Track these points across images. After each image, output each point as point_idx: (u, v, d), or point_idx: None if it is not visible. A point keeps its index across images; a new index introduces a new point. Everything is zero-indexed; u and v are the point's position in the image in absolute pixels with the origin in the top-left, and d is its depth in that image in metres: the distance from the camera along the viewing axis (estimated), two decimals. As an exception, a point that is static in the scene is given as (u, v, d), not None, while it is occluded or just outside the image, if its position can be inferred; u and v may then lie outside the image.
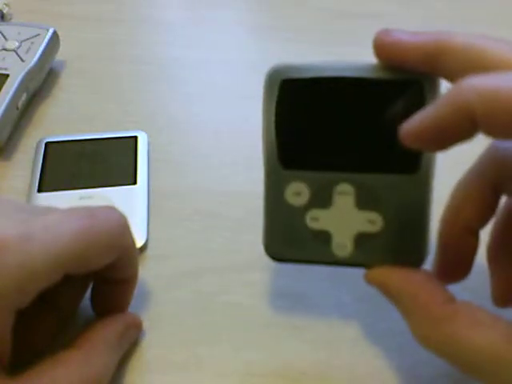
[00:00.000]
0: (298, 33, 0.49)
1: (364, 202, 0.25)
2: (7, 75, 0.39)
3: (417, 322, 0.23)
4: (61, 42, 0.45)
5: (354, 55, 0.46)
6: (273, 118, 0.25)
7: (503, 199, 0.26)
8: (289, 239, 0.26)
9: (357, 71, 0.24)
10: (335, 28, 0.49)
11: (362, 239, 0.25)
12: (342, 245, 0.25)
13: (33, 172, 0.36)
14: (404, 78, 0.24)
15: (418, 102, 0.24)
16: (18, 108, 0.39)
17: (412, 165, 0.25)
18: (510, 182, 0.25)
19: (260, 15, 0.51)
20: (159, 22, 0.50)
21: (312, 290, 0.31)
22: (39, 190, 0.34)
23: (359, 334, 0.29)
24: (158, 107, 0.42)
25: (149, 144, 0.38)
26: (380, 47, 0.24)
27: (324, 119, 0.25)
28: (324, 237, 0.25)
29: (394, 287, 0.24)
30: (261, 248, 0.33)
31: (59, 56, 0.45)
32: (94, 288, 0.28)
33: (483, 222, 0.26)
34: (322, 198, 0.25)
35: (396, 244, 0.25)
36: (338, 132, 0.25)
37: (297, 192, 0.25)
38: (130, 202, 0.34)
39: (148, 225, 0.34)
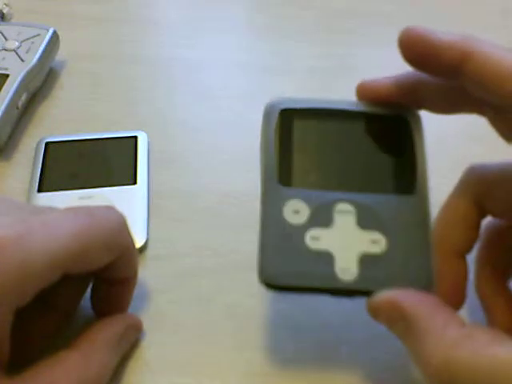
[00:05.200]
0: (298, 33, 0.49)
1: (365, 220, 0.24)
2: (7, 75, 0.39)
3: (434, 344, 0.21)
4: (61, 42, 0.44)
5: (354, 55, 0.46)
6: (272, 139, 0.26)
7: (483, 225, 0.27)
8: (288, 262, 0.24)
9: (349, 105, 0.27)
10: (335, 28, 0.49)
11: (366, 261, 0.24)
12: (346, 267, 0.24)
13: (33, 172, 0.36)
14: (391, 112, 0.27)
15: (405, 134, 0.26)
16: (18, 108, 0.39)
17: (408, 186, 0.25)
18: (491, 200, 0.26)
19: (260, 15, 0.51)
20: (159, 22, 0.50)
21: (312, 290, 0.31)
22: (39, 190, 0.34)
23: (359, 335, 0.29)
24: (158, 107, 0.42)
25: (149, 144, 0.38)
26: (361, 91, 0.27)
27: (320, 145, 0.26)
28: (326, 259, 0.24)
29: (409, 308, 0.22)
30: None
31: (59, 56, 0.45)
32: (94, 288, 0.28)
33: (470, 245, 0.27)
34: (322, 217, 0.25)
35: (402, 267, 0.24)
36: (335, 155, 0.26)
37: (296, 210, 0.25)
38: (129, 202, 0.34)
39: (148, 225, 0.34)
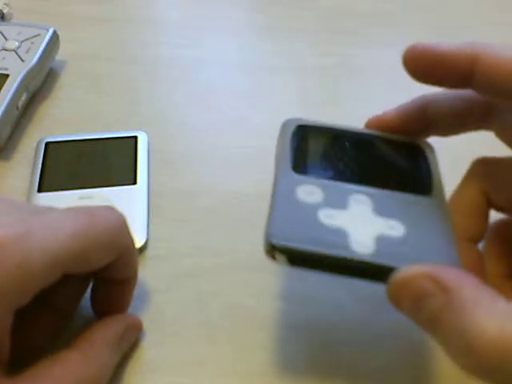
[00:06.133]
0: (298, 33, 0.49)
1: (381, 209, 0.23)
2: (7, 75, 0.39)
3: (486, 314, 0.19)
4: (61, 42, 0.45)
5: (354, 55, 0.46)
6: (288, 141, 0.26)
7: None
8: (299, 228, 0.22)
9: (362, 130, 0.28)
10: (335, 28, 0.49)
11: (384, 240, 0.22)
12: (362, 241, 0.22)
13: (33, 172, 0.36)
14: (404, 139, 0.27)
15: (418, 153, 0.27)
16: (18, 108, 0.39)
17: (425, 188, 0.25)
18: (497, 194, 0.26)
19: (260, 15, 0.51)
20: (159, 22, 0.50)
21: (312, 290, 0.31)
22: (39, 190, 0.34)
23: (359, 335, 0.29)
24: (158, 107, 0.42)
25: (149, 144, 0.38)
26: (371, 126, 0.28)
27: (335, 153, 0.26)
28: (340, 233, 0.22)
29: (453, 280, 0.20)
30: (261, 248, 0.32)
31: (59, 56, 0.45)
32: (94, 288, 0.28)
33: (481, 234, 0.27)
34: (337, 200, 0.24)
35: (425, 249, 0.22)
36: (350, 163, 0.26)
37: (309, 192, 0.24)
38: (129, 202, 0.34)
39: (148, 225, 0.34)
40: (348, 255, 0.21)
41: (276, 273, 0.32)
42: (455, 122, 0.27)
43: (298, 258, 0.21)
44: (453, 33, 0.49)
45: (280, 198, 0.23)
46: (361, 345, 0.29)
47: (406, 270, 0.21)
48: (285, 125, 0.28)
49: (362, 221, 0.23)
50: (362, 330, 0.29)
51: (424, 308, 0.20)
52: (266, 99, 0.42)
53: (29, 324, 0.26)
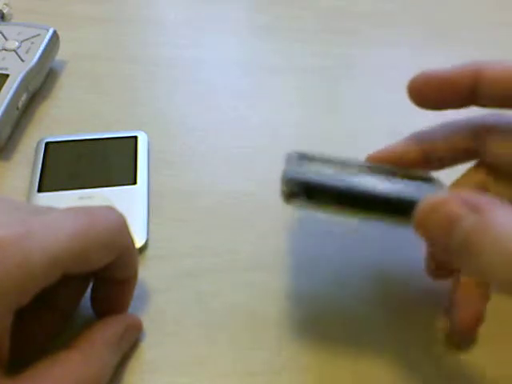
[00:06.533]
0: (298, 33, 0.49)
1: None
2: (7, 75, 0.39)
3: None
4: (61, 42, 0.45)
5: (354, 55, 0.46)
6: (294, 156, 0.25)
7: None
8: (315, 172, 0.22)
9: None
10: (335, 28, 0.49)
11: (398, 190, 0.22)
12: (379, 183, 0.22)
13: (33, 172, 0.36)
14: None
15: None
16: (18, 108, 0.39)
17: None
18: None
19: (260, 15, 0.51)
20: (159, 22, 0.50)
21: (312, 290, 0.31)
22: (39, 190, 0.34)
23: (360, 335, 0.29)
24: (158, 107, 0.42)
25: (149, 144, 0.38)
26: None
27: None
28: (356, 180, 0.22)
29: (482, 200, 0.20)
30: (261, 248, 0.33)
31: (59, 56, 0.45)
32: (94, 288, 0.28)
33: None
34: (348, 172, 0.23)
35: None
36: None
37: (319, 169, 0.24)
38: (129, 202, 0.34)
39: (148, 225, 0.34)
40: (366, 189, 0.20)
41: (276, 272, 0.32)
42: (452, 157, 0.28)
43: (317, 190, 0.20)
44: (453, 33, 0.49)
45: (291, 167, 0.23)
46: (361, 345, 0.29)
47: (436, 196, 0.20)
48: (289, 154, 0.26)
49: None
50: (363, 330, 0.29)
51: (457, 231, 0.20)
52: (265, 99, 0.42)
53: (29, 324, 0.26)
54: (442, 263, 0.28)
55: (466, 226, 0.20)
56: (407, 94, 0.26)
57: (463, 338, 0.28)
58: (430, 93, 0.26)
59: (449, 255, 0.20)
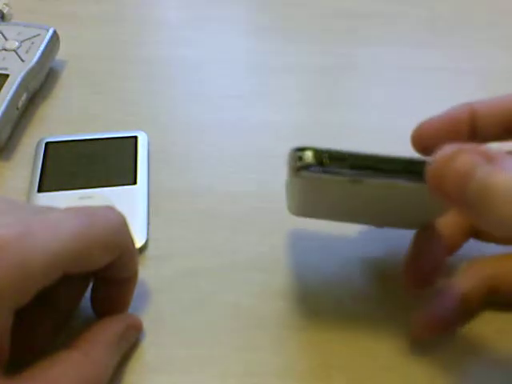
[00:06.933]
0: (298, 33, 0.49)
1: None
2: (7, 75, 0.39)
3: None
4: (61, 42, 0.45)
5: (354, 55, 0.46)
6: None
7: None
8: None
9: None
10: (335, 28, 0.49)
11: None
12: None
13: (33, 172, 0.36)
14: None
15: None
16: (18, 108, 0.39)
17: None
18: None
19: (260, 15, 0.51)
20: (159, 22, 0.50)
21: (312, 289, 0.31)
22: (39, 190, 0.34)
23: (359, 335, 0.29)
24: (158, 107, 0.42)
25: (149, 144, 0.38)
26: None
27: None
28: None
29: (497, 152, 0.20)
30: (261, 248, 0.33)
31: (59, 56, 0.45)
32: (94, 288, 0.28)
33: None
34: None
35: None
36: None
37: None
38: (129, 202, 0.34)
39: (148, 225, 0.34)
40: (380, 157, 0.20)
41: (276, 272, 0.32)
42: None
43: (333, 154, 0.20)
44: (453, 33, 0.49)
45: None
46: (361, 345, 0.29)
47: (450, 148, 0.20)
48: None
49: None
50: (362, 329, 0.29)
51: (474, 178, 0.20)
52: (265, 99, 0.42)
53: (29, 324, 0.26)
54: (421, 274, 0.28)
55: (481, 173, 0.19)
56: (412, 145, 0.27)
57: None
58: (432, 141, 0.26)
59: (463, 210, 0.20)
